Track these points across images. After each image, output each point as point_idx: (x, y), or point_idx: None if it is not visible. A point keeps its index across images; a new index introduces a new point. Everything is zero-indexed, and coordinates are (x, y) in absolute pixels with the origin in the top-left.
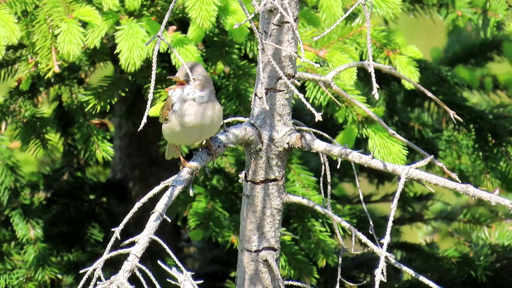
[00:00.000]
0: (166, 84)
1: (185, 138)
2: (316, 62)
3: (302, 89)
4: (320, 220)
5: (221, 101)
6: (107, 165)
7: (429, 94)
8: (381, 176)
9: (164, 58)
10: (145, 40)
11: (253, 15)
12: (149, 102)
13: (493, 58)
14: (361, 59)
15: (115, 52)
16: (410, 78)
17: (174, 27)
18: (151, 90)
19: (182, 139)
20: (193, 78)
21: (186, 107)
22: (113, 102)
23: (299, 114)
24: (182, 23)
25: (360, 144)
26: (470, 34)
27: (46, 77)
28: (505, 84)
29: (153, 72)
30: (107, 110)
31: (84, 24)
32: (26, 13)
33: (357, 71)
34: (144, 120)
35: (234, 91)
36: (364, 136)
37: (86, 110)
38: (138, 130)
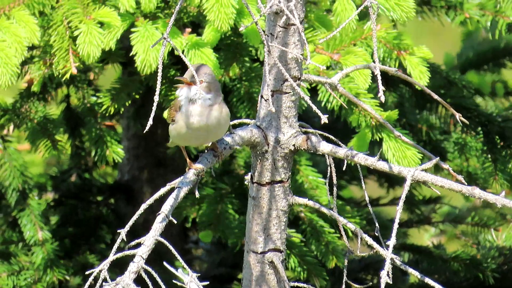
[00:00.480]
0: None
1: (191, 139)
2: (327, 67)
3: (314, 91)
4: (330, 222)
5: (232, 104)
6: (114, 167)
7: (435, 96)
8: (391, 180)
9: (178, 60)
10: (160, 43)
11: (259, 17)
12: (154, 104)
13: (505, 65)
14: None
15: (130, 54)
16: (421, 78)
17: (189, 29)
18: (157, 92)
19: (188, 141)
20: (200, 80)
21: (192, 109)
22: (127, 104)
23: (307, 116)
24: (195, 26)
25: (375, 147)
26: (484, 40)
27: (64, 79)
28: None
29: (159, 74)
30: (121, 112)
31: (100, 26)
32: (42, 14)
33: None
34: (150, 122)
35: (246, 94)
36: (378, 140)
37: (100, 111)
38: (144, 131)
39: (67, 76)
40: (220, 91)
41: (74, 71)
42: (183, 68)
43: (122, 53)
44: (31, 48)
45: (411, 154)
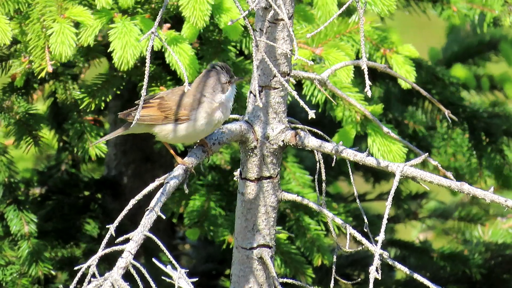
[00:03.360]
0: (161, 82)
1: (194, 137)
2: (312, 60)
3: (299, 86)
4: (315, 219)
5: None
6: (101, 162)
7: (425, 93)
8: (377, 175)
9: (158, 55)
10: (138, 39)
11: (247, 13)
12: (141, 100)
13: (490, 58)
14: (357, 57)
15: (108, 51)
16: (407, 77)
17: (168, 25)
18: (144, 87)
19: (190, 139)
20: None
21: (220, 108)
22: (108, 100)
23: (294, 111)
24: (176, 20)
25: (360, 141)
26: (469, 34)
27: (39, 77)
28: (501, 84)
29: (147, 70)
30: (102, 108)
31: (77, 24)
32: (19, 12)
33: (354, 69)
34: (137, 117)
35: None
36: (363, 134)
37: (80, 107)
38: (131, 126)
39: (43, 74)
40: None
41: (50, 69)
42: (163, 63)
43: (101, 49)
44: (15, 42)
45: (396, 149)
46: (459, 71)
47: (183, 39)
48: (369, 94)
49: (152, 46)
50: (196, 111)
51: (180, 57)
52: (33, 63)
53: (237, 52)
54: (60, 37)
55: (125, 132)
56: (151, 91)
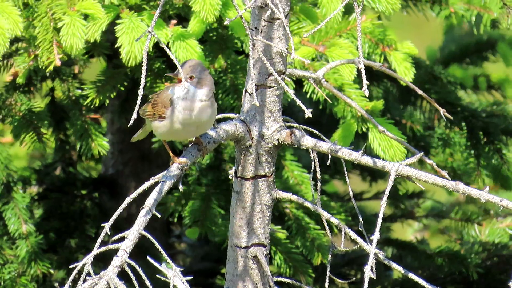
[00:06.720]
0: (166, 79)
1: (180, 135)
2: (312, 59)
3: (299, 84)
4: (315, 218)
5: (218, 96)
6: (99, 161)
7: (420, 92)
8: (373, 174)
9: (163, 52)
10: (145, 36)
11: (244, 11)
12: (139, 98)
13: (488, 58)
14: None
15: (115, 46)
16: (405, 74)
17: (175, 21)
18: (141, 85)
19: (176, 136)
20: (191, 76)
21: (186, 105)
22: (112, 96)
23: (291, 110)
24: (181, 18)
25: (360, 137)
26: (467, 33)
27: (47, 70)
28: (499, 84)
29: (144, 68)
30: (106, 104)
31: (85, 18)
32: (26, 6)
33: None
34: (134, 116)
35: (231, 86)
36: (364, 130)
37: (84, 104)
38: (128, 125)
39: (51, 68)
40: (213, 85)
41: (58, 62)
42: (168, 60)
43: (107, 45)
44: (16, 40)
45: (397, 144)
46: (456, 71)
47: (190, 35)
48: (366, 93)
49: (157, 42)
50: (169, 109)
51: (187, 53)
52: (38, 58)
53: (240, 49)
54: (71, 29)
55: (147, 127)
56: (156, 87)
